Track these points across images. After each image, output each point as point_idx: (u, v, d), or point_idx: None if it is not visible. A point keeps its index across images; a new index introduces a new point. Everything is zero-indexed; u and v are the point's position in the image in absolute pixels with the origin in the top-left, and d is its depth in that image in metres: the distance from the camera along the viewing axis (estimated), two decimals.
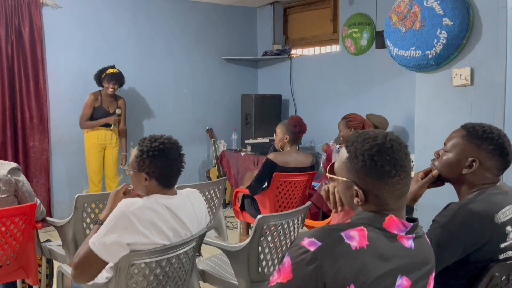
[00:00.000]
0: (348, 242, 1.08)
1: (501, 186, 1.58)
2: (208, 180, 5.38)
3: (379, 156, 1.13)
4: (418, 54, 2.28)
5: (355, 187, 1.17)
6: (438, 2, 2.20)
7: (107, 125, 4.44)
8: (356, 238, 1.09)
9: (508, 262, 1.46)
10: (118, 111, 4.43)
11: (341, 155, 1.23)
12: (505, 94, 2.09)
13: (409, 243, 1.17)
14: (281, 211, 3.34)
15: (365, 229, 1.12)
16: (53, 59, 4.53)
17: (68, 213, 4.56)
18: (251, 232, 4.03)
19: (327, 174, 1.31)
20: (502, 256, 1.46)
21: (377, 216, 1.16)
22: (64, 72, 4.60)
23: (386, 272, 1.09)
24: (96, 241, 1.63)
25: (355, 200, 1.18)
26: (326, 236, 1.09)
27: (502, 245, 1.46)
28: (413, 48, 2.29)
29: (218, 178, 5.36)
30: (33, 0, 4.30)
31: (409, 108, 4.28)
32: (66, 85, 4.62)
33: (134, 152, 1.78)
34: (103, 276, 1.78)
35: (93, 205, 2.52)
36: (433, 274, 1.25)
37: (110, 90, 4.37)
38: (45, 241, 2.83)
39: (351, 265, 1.06)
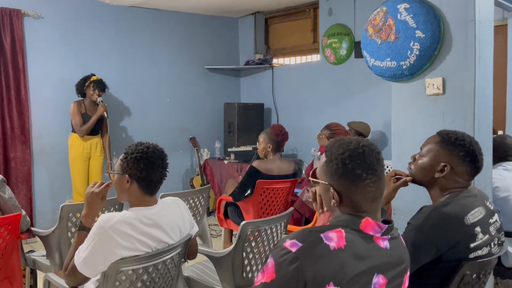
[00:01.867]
0: (327, 242, 1.15)
1: (470, 189, 1.67)
2: (191, 189, 5.41)
3: (350, 160, 1.22)
4: (393, 64, 2.38)
5: (331, 190, 1.25)
6: (411, 15, 2.31)
7: (94, 133, 4.45)
8: (334, 239, 1.17)
9: (478, 260, 1.55)
10: (99, 99, 4.43)
11: (321, 160, 1.32)
12: (474, 102, 2.21)
13: (384, 243, 1.24)
14: (265, 217, 3.40)
15: (342, 230, 1.19)
16: (35, 69, 4.52)
17: (50, 224, 4.55)
18: (234, 239, 4.08)
19: (309, 178, 1.39)
20: (472, 255, 1.55)
21: (354, 218, 1.23)
22: (46, 82, 4.60)
23: (363, 270, 1.17)
24: (78, 256, 1.69)
25: (332, 201, 1.26)
26: (306, 238, 1.16)
27: (472, 245, 1.55)
28: (388, 59, 2.40)
29: (201, 186, 5.40)
30: (14, 11, 4.31)
31: (387, 115, 4.40)
32: (48, 95, 4.61)
33: (120, 156, 1.84)
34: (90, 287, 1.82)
35: (78, 215, 2.53)
36: (408, 273, 1.32)
37: (95, 97, 4.41)
38: (29, 251, 2.82)
39: (330, 264, 1.13)
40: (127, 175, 1.77)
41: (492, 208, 1.66)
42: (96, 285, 1.76)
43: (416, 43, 2.29)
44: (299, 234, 1.18)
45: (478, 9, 2.20)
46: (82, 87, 4.42)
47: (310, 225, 2.61)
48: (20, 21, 4.35)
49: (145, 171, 1.75)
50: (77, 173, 4.45)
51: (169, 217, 1.84)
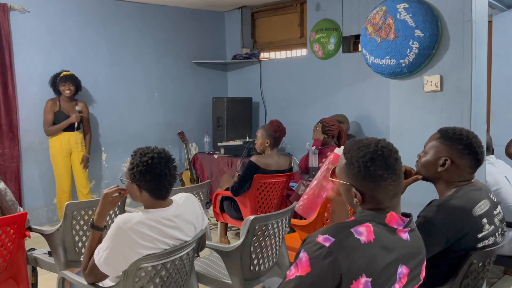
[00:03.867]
0: (358, 237, 1.22)
1: (475, 183, 1.77)
2: (181, 183, 5.42)
3: (371, 162, 1.29)
4: (393, 62, 2.47)
5: (354, 190, 1.32)
6: (410, 15, 2.39)
7: (71, 129, 4.36)
8: (364, 233, 1.24)
9: (484, 250, 1.65)
10: (78, 107, 4.37)
11: (340, 161, 1.38)
12: (471, 99, 2.32)
13: (405, 235, 1.32)
14: (261, 211, 3.47)
15: (370, 225, 1.26)
16: (22, 64, 4.44)
17: (40, 221, 4.51)
18: (229, 233, 4.13)
19: (330, 178, 1.45)
20: (479, 245, 1.65)
21: (379, 212, 1.31)
22: (33, 77, 4.52)
23: (390, 261, 1.24)
24: (98, 256, 1.72)
25: (355, 200, 1.33)
26: (338, 233, 1.23)
27: (479, 235, 1.65)
28: (388, 57, 2.48)
29: (191, 181, 5.42)
30: (0, 5, 4.20)
31: (373, 109, 4.54)
32: (36, 91, 4.53)
33: (127, 163, 1.86)
34: (108, 284, 1.85)
35: (83, 212, 2.54)
36: (425, 263, 1.41)
37: (67, 92, 4.31)
38: (30, 249, 2.81)
39: (362, 257, 1.20)
40: (136, 185, 1.80)
41: (495, 200, 1.77)
42: (115, 281, 1.79)
43: (415, 42, 2.37)
44: (330, 230, 1.24)
45: (474, 9, 2.31)
46: (54, 84, 4.34)
47: (310, 220, 2.68)
48: (6, 15, 4.25)
49: (152, 182, 1.77)
50: (59, 170, 4.39)
51: (184, 216, 1.88)
